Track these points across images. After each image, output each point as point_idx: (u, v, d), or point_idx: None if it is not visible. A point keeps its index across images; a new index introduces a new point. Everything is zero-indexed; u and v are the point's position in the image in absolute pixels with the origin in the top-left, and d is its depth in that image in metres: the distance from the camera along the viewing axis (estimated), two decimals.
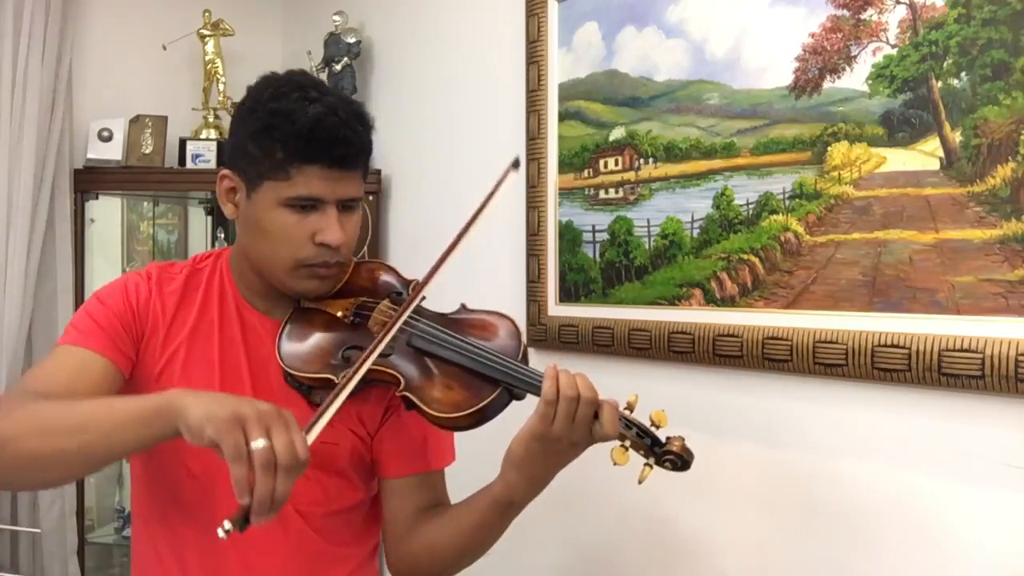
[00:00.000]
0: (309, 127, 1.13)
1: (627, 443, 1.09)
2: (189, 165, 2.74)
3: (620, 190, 1.75)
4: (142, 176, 2.78)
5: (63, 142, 2.66)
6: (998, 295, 1.18)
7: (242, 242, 1.26)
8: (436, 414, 1.12)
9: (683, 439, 1.10)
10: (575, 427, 1.07)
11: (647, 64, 1.70)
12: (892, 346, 1.28)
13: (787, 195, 1.46)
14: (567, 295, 1.87)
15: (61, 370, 1.16)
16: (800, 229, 1.43)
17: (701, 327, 1.57)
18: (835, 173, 1.39)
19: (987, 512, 1.21)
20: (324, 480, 1.24)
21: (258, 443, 0.90)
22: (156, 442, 1.00)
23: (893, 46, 1.31)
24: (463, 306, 1.27)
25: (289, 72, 1.24)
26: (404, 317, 1.15)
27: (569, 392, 1.06)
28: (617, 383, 1.77)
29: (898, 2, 1.30)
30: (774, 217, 1.47)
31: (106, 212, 2.96)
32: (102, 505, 2.97)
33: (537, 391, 1.09)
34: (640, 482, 1.09)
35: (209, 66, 2.87)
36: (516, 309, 1.99)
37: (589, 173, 1.81)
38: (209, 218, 3.10)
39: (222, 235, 2.89)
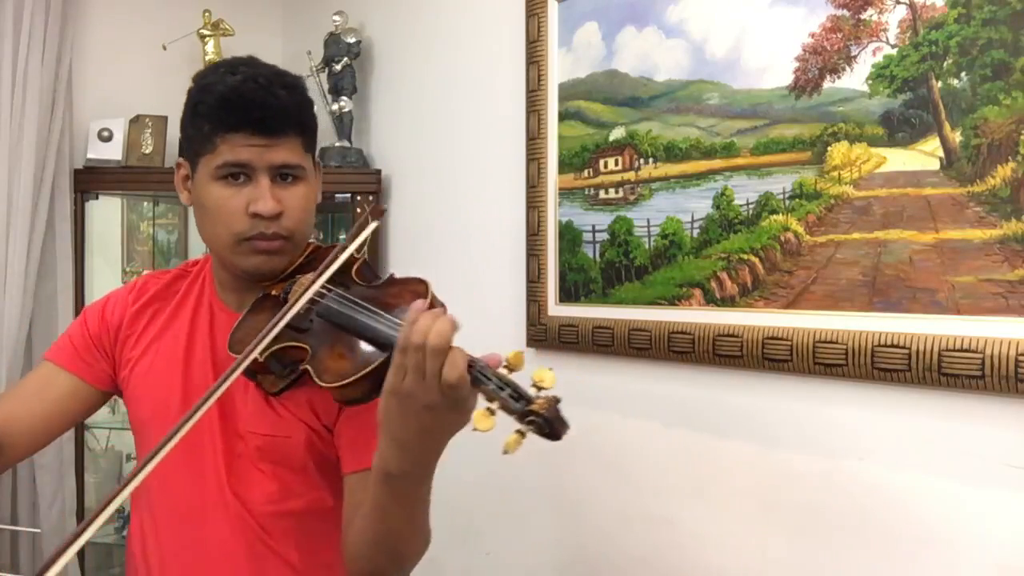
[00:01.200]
0: (228, 95, 1.13)
1: (495, 405, 0.90)
2: None
3: (620, 190, 1.75)
4: (142, 176, 2.78)
5: (63, 142, 2.66)
6: (998, 295, 1.18)
7: (198, 227, 1.25)
8: (325, 384, 1.03)
9: (554, 400, 0.87)
10: (423, 381, 0.90)
11: (647, 64, 1.70)
12: (892, 346, 1.28)
13: (787, 195, 1.46)
14: (567, 295, 1.87)
15: (26, 384, 1.30)
16: (800, 229, 1.43)
17: (701, 327, 1.57)
18: (835, 173, 1.39)
19: (987, 512, 1.21)
20: (281, 475, 1.20)
21: None
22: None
23: (893, 46, 1.31)
24: (391, 275, 1.15)
25: (232, 57, 1.23)
26: (315, 287, 1.07)
27: (415, 339, 0.90)
28: (617, 383, 1.78)
29: (898, 2, 1.30)
30: (774, 217, 1.47)
31: (106, 212, 2.96)
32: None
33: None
34: (504, 451, 0.87)
35: None
36: (516, 309, 1.99)
37: (589, 173, 1.81)
38: None
39: None
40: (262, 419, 1.19)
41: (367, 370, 1.00)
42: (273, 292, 1.20)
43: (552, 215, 1.90)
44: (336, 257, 1.09)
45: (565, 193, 1.87)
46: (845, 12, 1.37)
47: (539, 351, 1.93)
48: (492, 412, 0.89)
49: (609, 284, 1.77)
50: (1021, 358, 1.14)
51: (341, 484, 1.20)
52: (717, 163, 1.57)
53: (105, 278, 2.92)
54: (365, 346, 1.04)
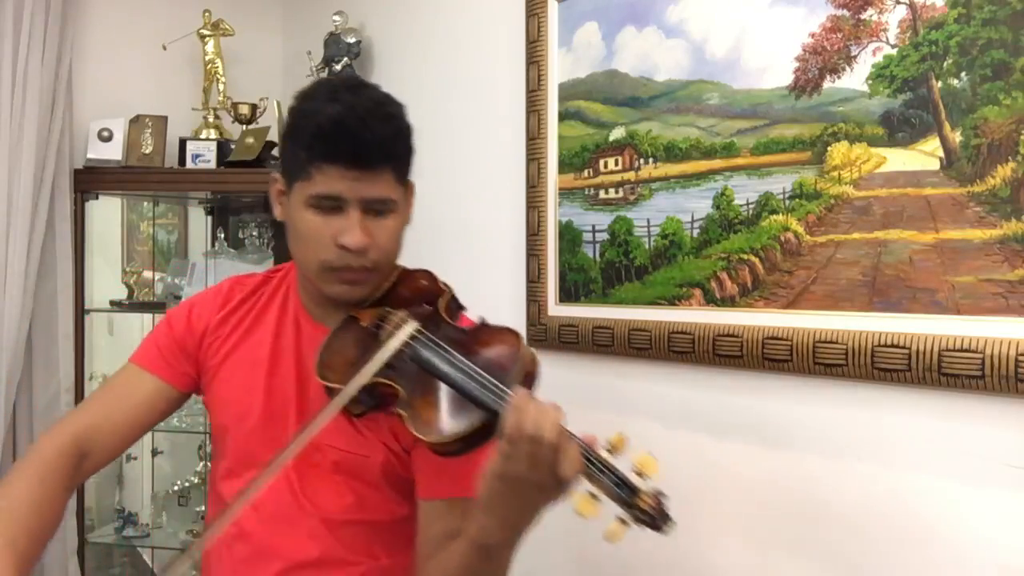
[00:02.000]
0: (325, 126, 1.12)
1: (599, 490, 0.94)
2: (189, 165, 2.74)
3: (620, 190, 1.75)
4: (142, 176, 2.78)
5: (63, 142, 2.66)
6: (998, 295, 1.18)
7: (289, 247, 1.24)
8: (420, 436, 1.04)
9: (659, 495, 0.93)
10: (538, 470, 0.93)
11: (647, 64, 1.70)
12: (892, 346, 1.28)
13: (787, 195, 1.45)
14: (567, 295, 1.87)
15: (112, 389, 1.31)
16: (800, 229, 1.43)
17: (701, 327, 1.57)
18: (835, 173, 1.39)
19: (987, 512, 1.21)
20: (358, 489, 1.23)
21: None
22: None
23: (893, 46, 1.31)
24: (482, 320, 1.19)
25: (336, 74, 1.26)
26: (407, 331, 1.10)
27: (528, 430, 0.92)
28: (617, 383, 1.78)
29: (898, 2, 1.30)
30: (774, 217, 1.47)
31: (106, 212, 2.96)
32: (102, 505, 2.97)
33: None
34: (608, 539, 0.91)
35: (209, 66, 2.87)
36: (516, 309, 1.99)
37: (589, 173, 1.81)
38: (209, 218, 3.10)
39: (222, 235, 2.89)
40: (342, 435, 1.21)
41: (465, 432, 1.02)
42: (363, 322, 1.20)
43: (552, 215, 1.90)
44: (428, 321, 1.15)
45: (565, 193, 1.87)
46: (845, 12, 1.37)
47: (539, 351, 1.92)
48: (596, 498, 0.93)
49: (609, 284, 1.77)
50: (1021, 358, 1.14)
51: (414, 496, 1.25)
52: (717, 163, 1.57)
53: (105, 278, 2.93)
54: (462, 403, 1.05)
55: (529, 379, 1.06)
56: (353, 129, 1.12)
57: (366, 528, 1.24)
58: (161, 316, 2.81)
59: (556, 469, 0.93)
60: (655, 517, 0.92)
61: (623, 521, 0.93)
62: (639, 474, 0.94)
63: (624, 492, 0.93)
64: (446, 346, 1.11)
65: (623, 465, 0.95)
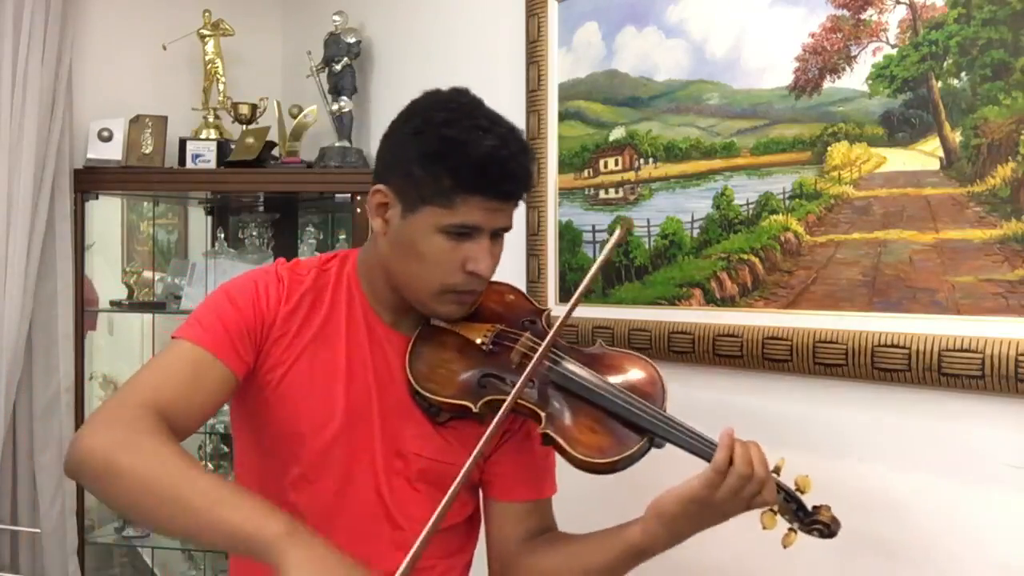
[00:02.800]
0: (483, 160, 1.11)
1: (775, 508, 1.10)
2: (189, 165, 2.74)
3: (620, 190, 1.75)
4: (142, 176, 2.78)
5: (63, 142, 2.66)
6: (998, 295, 1.18)
7: (386, 257, 1.21)
8: (579, 456, 1.11)
9: (830, 508, 1.11)
10: (737, 499, 1.06)
11: (647, 64, 1.70)
12: (892, 346, 1.28)
13: (787, 195, 1.45)
14: (567, 295, 1.87)
15: (179, 377, 1.13)
16: (800, 229, 1.43)
17: (701, 327, 1.57)
18: (835, 173, 1.39)
19: (987, 512, 1.21)
20: (436, 496, 1.20)
21: None
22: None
23: (893, 46, 1.31)
24: (600, 344, 1.26)
25: (456, 92, 1.21)
26: (544, 353, 1.15)
27: (744, 470, 1.05)
28: None
29: (898, 2, 1.30)
30: (774, 217, 1.47)
31: (106, 212, 2.96)
32: (102, 505, 2.97)
33: (701, 454, 1.09)
34: (785, 547, 1.10)
35: (209, 66, 2.87)
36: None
37: (589, 173, 1.81)
38: (209, 218, 3.10)
39: (222, 235, 2.89)
40: (428, 443, 1.21)
41: (629, 453, 1.11)
42: (478, 340, 1.21)
43: (552, 215, 1.90)
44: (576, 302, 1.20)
45: (565, 193, 1.87)
46: (845, 12, 1.37)
47: None
48: (775, 513, 1.10)
49: (609, 284, 1.77)
50: (1021, 358, 1.14)
51: (476, 497, 1.30)
52: (717, 163, 1.57)
53: (105, 278, 2.93)
54: (616, 423, 1.13)
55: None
56: (509, 166, 1.13)
57: (444, 532, 1.23)
58: (161, 315, 2.83)
59: (755, 499, 1.07)
60: (830, 525, 1.10)
61: (794, 531, 1.11)
62: (801, 491, 1.11)
63: (799, 511, 1.10)
64: (593, 372, 1.17)
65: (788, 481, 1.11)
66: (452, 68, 2.30)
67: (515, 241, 2.00)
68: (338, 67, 2.62)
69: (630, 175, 1.73)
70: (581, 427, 1.13)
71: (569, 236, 1.86)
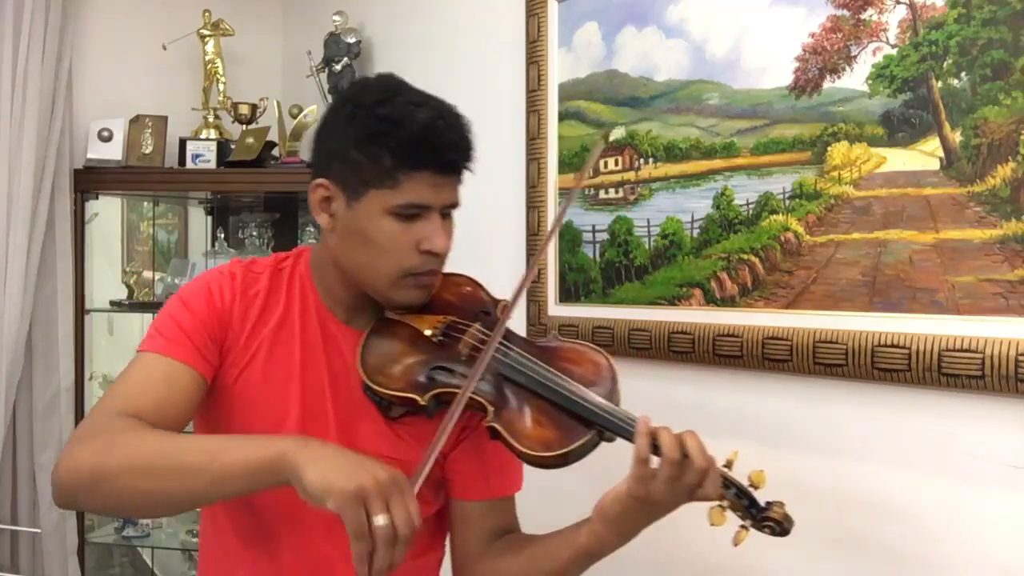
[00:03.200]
0: (420, 133, 1.09)
1: (725, 503, 1.05)
2: (189, 165, 2.74)
3: (620, 190, 1.75)
4: (142, 176, 2.78)
5: (63, 142, 2.66)
6: (998, 295, 1.18)
7: (336, 252, 1.20)
8: (524, 450, 1.08)
9: (784, 505, 1.06)
10: (676, 490, 1.01)
11: (647, 64, 1.70)
12: (892, 346, 1.28)
13: (787, 195, 1.45)
14: (567, 295, 1.87)
15: (150, 385, 1.13)
16: (800, 229, 1.43)
17: (701, 327, 1.57)
18: (835, 173, 1.39)
19: (987, 512, 1.21)
20: None
21: (380, 520, 0.90)
22: (265, 490, 1.00)
23: (893, 46, 1.31)
24: (554, 335, 1.23)
25: (384, 76, 1.20)
26: (494, 346, 1.12)
27: (672, 455, 1.00)
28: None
29: (898, 2, 1.30)
30: (774, 217, 1.47)
31: (106, 212, 2.96)
32: None
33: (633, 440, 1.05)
34: (736, 544, 1.05)
35: (209, 66, 2.87)
36: (516, 309, 1.99)
37: (589, 173, 1.81)
38: (209, 218, 3.10)
39: (222, 235, 2.89)
40: (383, 441, 1.19)
41: (575, 446, 1.07)
42: (427, 332, 1.19)
43: (552, 215, 1.89)
44: (523, 286, 1.15)
45: (565, 193, 1.87)
46: (845, 12, 1.37)
47: None
48: (724, 508, 1.05)
49: (609, 284, 1.77)
50: (1021, 358, 1.14)
51: (441, 494, 1.27)
52: (717, 163, 1.57)
53: (105, 278, 2.93)
54: (563, 416, 1.10)
55: (618, 393, 1.14)
56: (447, 136, 1.11)
57: None
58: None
59: (698, 491, 1.02)
60: (782, 523, 1.04)
61: (746, 528, 1.06)
62: (754, 487, 1.06)
63: (752, 508, 1.05)
64: (542, 364, 1.14)
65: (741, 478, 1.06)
66: (452, 68, 2.30)
67: (515, 241, 2.00)
68: (338, 67, 2.62)
69: (630, 175, 1.73)
70: (528, 420, 1.10)
71: (569, 236, 1.86)
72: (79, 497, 1.05)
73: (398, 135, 1.09)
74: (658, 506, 1.04)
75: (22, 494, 2.64)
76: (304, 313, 1.23)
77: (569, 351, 1.18)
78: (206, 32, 2.87)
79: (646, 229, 1.70)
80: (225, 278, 1.23)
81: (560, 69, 1.88)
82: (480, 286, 1.29)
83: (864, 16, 1.34)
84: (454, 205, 1.18)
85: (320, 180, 1.17)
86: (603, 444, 1.10)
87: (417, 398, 1.14)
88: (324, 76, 2.66)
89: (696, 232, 1.60)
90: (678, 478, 1.01)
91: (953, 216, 1.23)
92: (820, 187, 1.41)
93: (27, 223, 2.55)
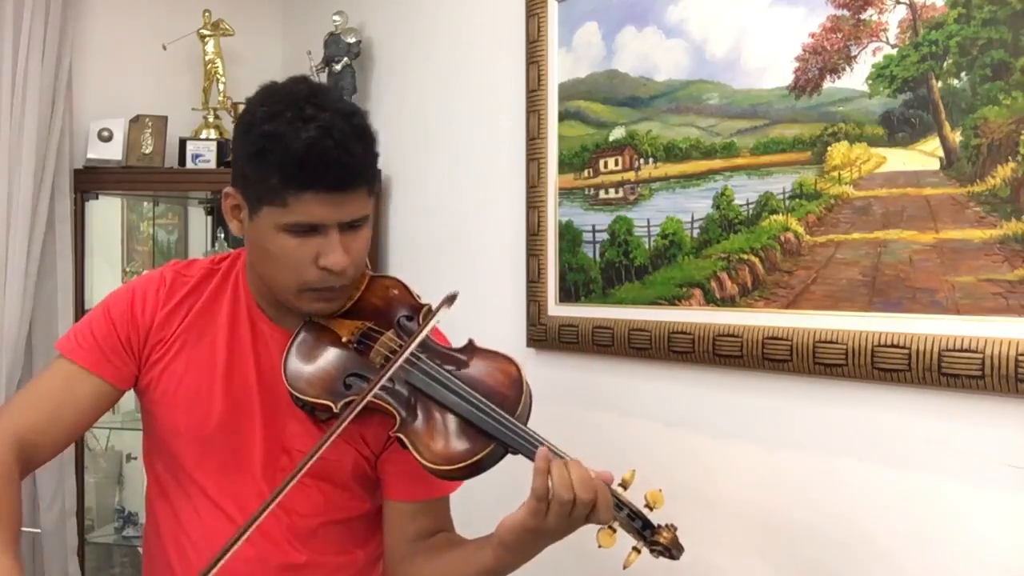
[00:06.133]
0: (301, 153, 1.06)
1: (616, 524, 1.05)
2: (189, 165, 2.74)
3: (620, 190, 1.75)
4: (142, 176, 2.78)
5: (63, 142, 2.66)
6: (998, 295, 1.18)
7: (249, 258, 1.22)
8: (426, 462, 1.08)
9: (674, 530, 1.05)
10: (571, 521, 1.04)
11: (647, 64, 1.70)
12: (892, 346, 1.28)
13: (787, 195, 1.45)
14: (567, 295, 1.87)
15: (52, 393, 1.20)
16: (800, 229, 1.43)
17: (701, 327, 1.57)
18: (835, 173, 1.39)
19: (987, 512, 1.21)
20: (327, 490, 1.23)
21: None
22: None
23: (893, 46, 1.31)
24: (470, 342, 1.20)
25: (288, 82, 1.16)
26: (404, 356, 1.11)
27: (564, 494, 1.01)
28: (617, 383, 1.78)
29: (898, 2, 1.30)
30: (774, 217, 1.47)
31: (106, 212, 2.96)
32: (102, 505, 2.97)
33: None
34: (625, 567, 1.04)
35: (209, 66, 2.87)
36: (516, 309, 1.99)
37: (589, 173, 1.81)
38: (209, 218, 3.10)
39: (222, 235, 2.89)
40: (311, 439, 1.19)
41: (474, 459, 1.07)
42: (342, 336, 1.19)
43: (552, 215, 1.90)
44: (419, 332, 1.13)
45: (565, 193, 1.87)
46: (845, 12, 1.37)
47: (539, 351, 1.93)
48: (614, 530, 1.04)
49: (609, 284, 1.77)
50: (1021, 358, 1.14)
51: (378, 492, 1.27)
52: (717, 163, 1.57)
53: (105, 278, 2.93)
54: (466, 429, 1.09)
55: (528, 403, 1.13)
56: (332, 155, 1.07)
57: (337, 527, 1.25)
58: None
59: (590, 517, 1.03)
60: (671, 548, 1.04)
61: (637, 550, 1.05)
62: (650, 507, 1.05)
63: (645, 530, 1.05)
64: (446, 374, 1.13)
65: (635, 498, 1.06)
66: (452, 68, 2.30)
67: (515, 241, 2.00)
68: (338, 67, 2.62)
69: (630, 175, 1.73)
70: (432, 432, 1.10)
71: (569, 236, 1.86)
72: None
73: (281, 155, 1.07)
74: (554, 534, 1.06)
75: (23, 494, 2.64)
76: (235, 312, 1.24)
77: (482, 361, 1.17)
78: (206, 32, 2.87)
79: (646, 229, 1.70)
80: (152, 284, 1.25)
81: (560, 69, 1.88)
82: (407, 290, 1.26)
83: (864, 16, 1.34)
84: (358, 220, 1.14)
85: (228, 189, 1.18)
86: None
87: (331, 405, 1.14)
88: (324, 76, 2.66)
89: (696, 232, 1.60)
90: (569, 513, 1.03)
91: (953, 216, 1.23)
92: (820, 187, 1.41)
93: (27, 223, 2.55)
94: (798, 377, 1.42)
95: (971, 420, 1.22)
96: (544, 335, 1.90)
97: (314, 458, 1.05)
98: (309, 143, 1.06)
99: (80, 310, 2.71)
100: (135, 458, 3.00)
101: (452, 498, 1.30)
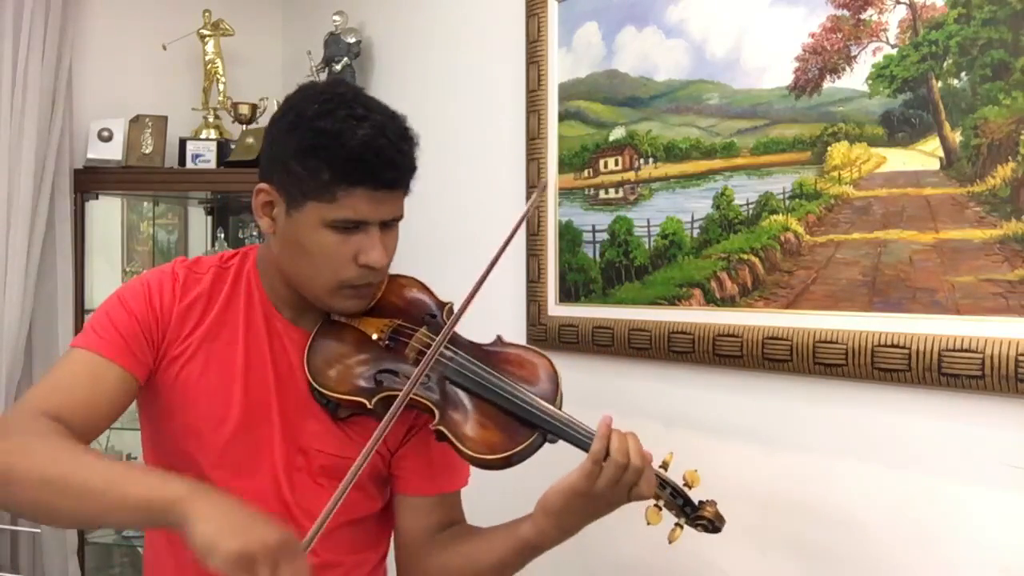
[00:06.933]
0: (359, 150, 1.09)
1: (661, 503, 1.10)
2: (189, 165, 2.74)
3: (620, 190, 1.75)
4: (142, 176, 2.78)
5: (63, 142, 2.66)
6: (998, 295, 1.18)
7: (278, 256, 1.21)
8: (470, 452, 1.11)
9: (715, 504, 1.11)
10: (617, 489, 1.07)
11: (647, 64, 1.70)
12: (892, 346, 1.28)
13: (787, 195, 1.45)
14: (567, 295, 1.87)
15: (78, 383, 1.13)
16: (800, 229, 1.43)
17: (701, 327, 1.57)
18: (835, 173, 1.39)
19: (987, 512, 1.21)
20: None
21: None
22: (155, 529, 1.00)
23: (893, 46, 1.31)
24: (499, 338, 1.24)
25: (331, 83, 1.19)
26: (440, 349, 1.13)
27: (620, 459, 1.06)
28: (617, 383, 1.78)
29: (898, 2, 1.30)
30: (774, 217, 1.47)
31: (106, 212, 2.96)
32: None
33: (584, 446, 1.08)
34: (671, 542, 1.10)
35: (209, 66, 2.87)
36: (516, 309, 1.99)
37: (589, 173, 1.81)
38: (209, 218, 3.10)
39: (222, 235, 2.89)
40: (329, 438, 1.20)
41: (519, 448, 1.11)
42: (374, 336, 1.21)
43: (552, 215, 1.90)
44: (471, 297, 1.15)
45: (565, 193, 1.87)
46: (845, 12, 1.37)
47: None
48: (660, 508, 1.10)
49: (609, 284, 1.77)
50: (1021, 358, 1.14)
51: (386, 491, 1.28)
52: (717, 163, 1.57)
53: (105, 278, 2.93)
54: (508, 419, 1.13)
55: (562, 397, 1.17)
56: (388, 154, 1.11)
57: (352, 528, 1.25)
58: None
59: (634, 490, 1.07)
60: (714, 521, 1.09)
61: (680, 526, 1.11)
62: (688, 486, 1.11)
63: (686, 507, 1.11)
64: (487, 367, 1.16)
65: (674, 478, 1.12)
66: (452, 68, 2.30)
67: (515, 241, 1.99)
68: (338, 67, 2.62)
69: (630, 175, 1.73)
70: (472, 423, 1.13)
71: (569, 236, 1.86)
72: None
73: (336, 151, 1.09)
74: (599, 502, 1.08)
75: None
76: (249, 311, 1.24)
77: (513, 355, 1.21)
78: (206, 32, 2.87)
79: (646, 229, 1.70)
80: (167, 278, 1.23)
81: (560, 69, 1.88)
82: (427, 289, 1.29)
83: (864, 16, 1.34)
84: (396, 219, 1.18)
85: (262, 185, 1.17)
86: (547, 446, 1.13)
87: (365, 401, 1.15)
88: (324, 76, 2.65)
89: (696, 232, 1.60)
90: (619, 479, 1.06)
91: (953, 216, 1.23)
92: (820, 187, 1.41)
93: (27, 223, 2.55)
94: (798, 377, 1.42)
95: (971, 420, 1.22)
96: (544, 335, 1.90)
97: (371, 454, 1.04)
98: (365, 140, 1.09)
99: (80, 310, 2.71)
100: (135, 458, 3.00)
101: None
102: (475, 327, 1.25)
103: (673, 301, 1.64)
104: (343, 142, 1.09)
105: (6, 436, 1.05)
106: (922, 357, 1.24)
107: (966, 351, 1.19)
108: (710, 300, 1.57)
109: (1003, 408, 1.18)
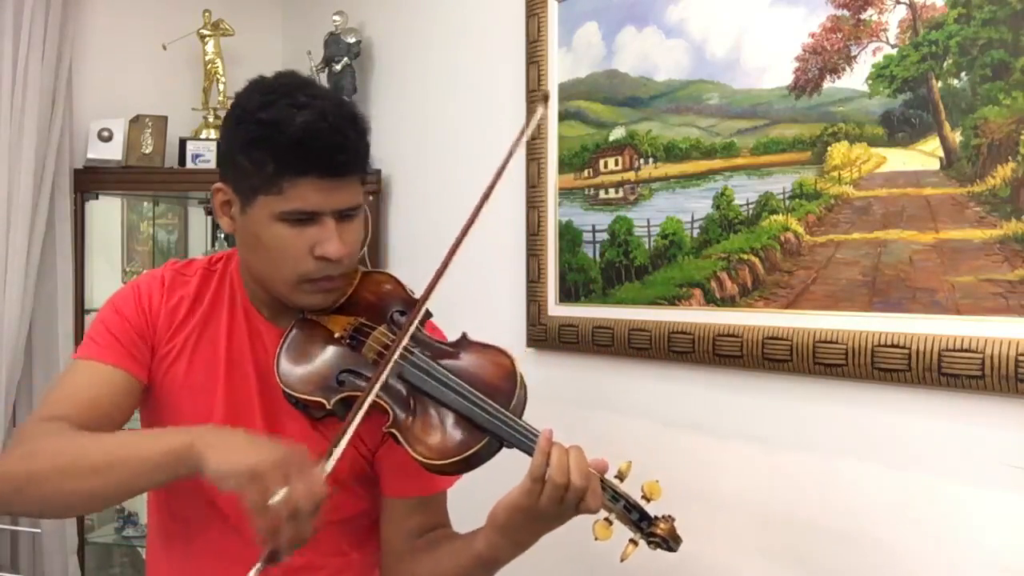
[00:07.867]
0: (298, 137, 1.07)
1: (612, 516, 1.04)
2: (189, 165, 2.74)
3: (620, 190, 1.75)
4: (142, 176, 2.78)
5: (63, 142, 2.67)
6: (998, 295, 1.18)
7: (242, 255, 1.22)
8: (419, 457, 1.07)
9: (672, 521, 1.05)
10: (560, 506, 1.03)
11: (647, 64, 1.70)
12: (892, 346, 1.28)
13: (787, 195, 1.46)
14: (567, 295, 1.87)
15: (82, 389, 1.15)
16: (800, 229, 1.43)
17: (701, 327, 1.57)
18: (835, 173, 1.39)
19: (987, 512, 1.21)
20: None
21: (278, 496, 0.91)
22: (181, 480, 1.01)
23: (893, 46, 1.31)
24: (464, 336, 1.19)
25: (278, 75, 1.17)
26: (399, 351, 1.10)
27: (559, 479, 1.01)
28: (617, 383, 1.78)
29: (898, 2, 1.30)
30: (774, 217, 1.47)
31: (106, 212, 2.96)
32: None
33: (529, 452, 1.04)
34: (622, 559, 1.04)
35: (209, 66, 2.87)
36: (516, 309, 1.99)
37: (589, 173, 1.81)
38: (209, 218, 3.10)
39: (222, 235, 2.89)
40: (308, 441, 1.17)
41: (468, 454, 1.06)
42: (334, 331, 1.19)
43: (552, 215, 1.90)
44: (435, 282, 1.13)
45: (565, 193, 1.87)
46: (845, 12, 1.37)
47: (539, 351, 1.93)
48: (610, 523, 1.04)
49: (609, 284, 1.77)
50: (1021, 358, 1.14)
51: (376, 490, 1.27)
52: (717, 163, 1.57)
53: (105, 278, 2.93)
54: (460, 423, 1.08)
55: (523, 396, 1.11)
56: (329, 139, 1.08)
57: (336, 528, 1.24)
58: None
59: (581, 504, 1.03)
60: (668, 540, 1.03)
61: (635, 542, 1.04)
62: (647, 499, 1.04)
63: (642, 522, 1.04)
64: (440, 368, 1.12)
65: (632, 490, 1.05)
66: (452, 68, 2.30)
67: (515, 241, 2.00)
68: (338, 67, 2.62)
69: (630, 175, 1.73)
70: (424, 427, 1.09)
71: (569, 236, 1.86)
72: (9, 503, 1.08)
73: (277, 139, 1.08)
74: (546, 518, 1.05)
75: None
76: (232, 312, 1.24)
77: (475, 354, 1.16)
78: (206, 32, 2.87)
79: (646, 229, 1.70)
80: (155, 281, 1.25)
81: (560, 69, 1.88)
82: (400, 284, 1.25)
83: (864, 16, 1.34)
84: (352, 208, 1.15)
85: (218, 184, 1.18)
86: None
87: (324, 402, 1.13)
88: (324, 76, 2.66)
89: (696, 232, 1.60)
90: (561, 497, 1.02)
91: (953, 216, 1.23)
92: (820, 187, 1.41)
93: (27, 223, 2.55)
94: (798, 377, 1.42)
95: (971, 420, 1.22)
96: (544, 335, 1.90)
97: (333, 458, 1.03)
98: (304, 126, 1.07)
99: (80, 310, 2.71)
100: None
101: (450, 498, 1.30)
102: (475, 327, 1.25)
103: (673, 301, 1.64)
104: (283, 130, 1.08)
105: (17, 445, 1.09)
106: (922, 357, 1.24)
107: (966, 351, 1.19)
108: (710, 300, 1.57)
109: (1003, 408, 1.18)
